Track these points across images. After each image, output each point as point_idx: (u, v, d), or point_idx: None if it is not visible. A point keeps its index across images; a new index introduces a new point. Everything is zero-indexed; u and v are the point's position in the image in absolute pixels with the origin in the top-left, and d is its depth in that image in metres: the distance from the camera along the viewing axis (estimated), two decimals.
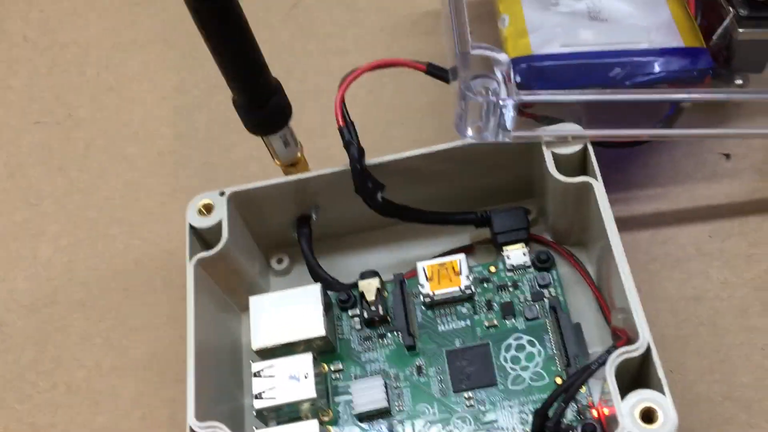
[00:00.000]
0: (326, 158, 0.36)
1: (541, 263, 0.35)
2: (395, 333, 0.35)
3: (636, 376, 0.30)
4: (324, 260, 0.39)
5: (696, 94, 0.32)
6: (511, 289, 0.35)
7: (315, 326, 0.34)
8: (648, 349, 0.29)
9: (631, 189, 0.40)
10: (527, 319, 0.34)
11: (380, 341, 0.35)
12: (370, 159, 0.35)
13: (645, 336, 0.29)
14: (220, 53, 0.29)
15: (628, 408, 0.27)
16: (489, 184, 0.38)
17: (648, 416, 0.27)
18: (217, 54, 0.29)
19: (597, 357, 0.29)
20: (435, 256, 0.37)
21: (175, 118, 0.47)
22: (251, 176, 0.40)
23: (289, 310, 0.34)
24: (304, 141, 0.42)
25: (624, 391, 0.28)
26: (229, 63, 0.30)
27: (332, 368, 0.35)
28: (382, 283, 0.36)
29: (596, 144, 0.38)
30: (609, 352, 0.29)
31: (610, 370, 0.28)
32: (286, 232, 0.39)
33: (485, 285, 0.36)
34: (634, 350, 0.28)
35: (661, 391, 0.28)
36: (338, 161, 0.35)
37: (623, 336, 0.30)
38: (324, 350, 0.35)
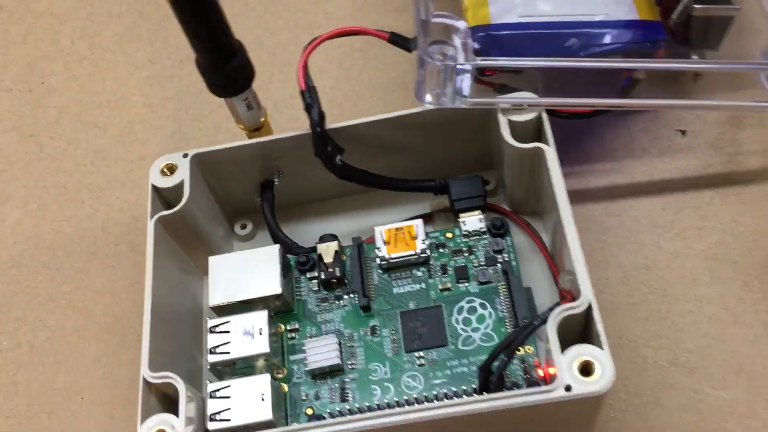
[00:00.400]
0: (294, 129, 0.37)
1: (496, 230, 0.36)
2: (352, 295, 0.36)
3: (579, 334, 0.31)
4: (286, 227, 0.40)
5: (649, 63, 0.33)
6: (466, 254, 0.36)
7: (272, 285, 0.34)
8: (589, 307, 0.29)
9: (588, 162, 0.40)
10: (480, 283, 0.35)
11: (337, 303, 0.36)
12: (332, 124, 0.36)
13: (587, 293, 0.30)
14: (182, 10, 0.30)
15: (567, 361, 0.28)
16: (450, 154, 0.39)
17: (587, 370, 0.28)
18: (178, 11, 0.30)
19: (541, 313, 0.30)
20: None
21: (147, 88, 0.48)
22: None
23: (247, 270, 0.35)
24: (273, 112, 0.43)
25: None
26: (190, 20, 0.30)
27: (288, 328, 0.36)
28: (340, 246, 0.37)
29: (554, 115, 0.39)
30: (552, 309, 0.30)
31: (551, 326, 0.29)
32: (250, 198, 0.39)
33: (441, 250, 0.36)
34: (576, 307, 0.29)
35: (600, 346, 0.29)
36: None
37: (569, 296, 0.31)
38: (281, 310, 0.36)
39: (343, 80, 0.45)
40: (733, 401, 0.34)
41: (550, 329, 0.29)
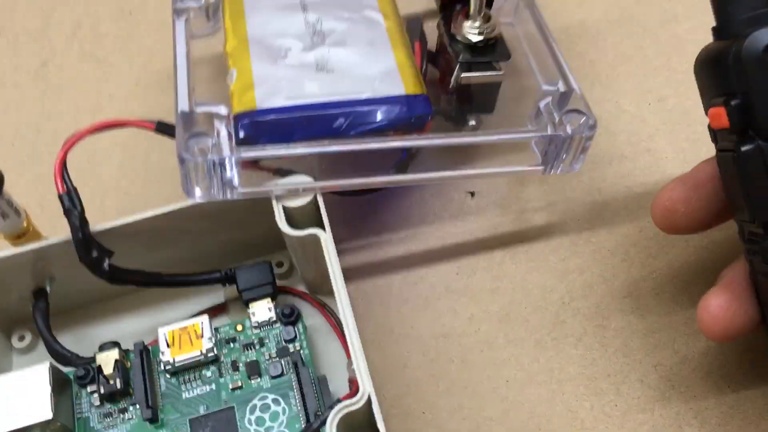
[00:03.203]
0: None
1: (286, 318, 0.35)
2: (137, 405, 0.33)
3: (367, 425, 0.30)
4: (68, 333, 0.37)
5: (416, 141, 0.33)
6: (257, 346, 0.35)
7: (42, 410, 0.31)
8: (369, 400, 0.29)
9: (385, 233, 0.40)
10: (272, 377, 0.34)
11: (122, 416, 0.33)
12: (103, 223, 0.34)
13: (365, 387, 0.29)
14: None
15: None
16: (242, 237, 0.38)
17: None
18: None
19: (323, 411, 0.29)
20: (189, 317, 0.36)
21: None
22: None
23: (15, 395, 0.32)
24: (53, 207, 0.39)
25: None
26: None
27: None
28: (122, 353, 0.34)
29: (342, 194, 0.39)
30: (332, 407, 0.28)
31: (331, 425, 0.28)
32: (26, 306, 0.36)
33: (232, 345, 0.35)
34: (354, 403, 0.28)
35: None
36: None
37: (355, 386, 0.30)
38: None
39: (129, 164, 0.43)
40: None
41: (330, 429, 0.28)
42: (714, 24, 0.29)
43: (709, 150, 0.31)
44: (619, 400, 0.35)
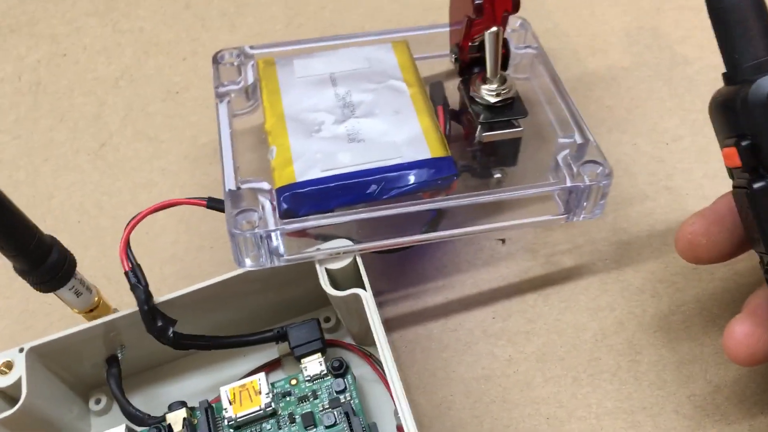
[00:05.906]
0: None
1: (336, 370, 0.37)
2: None
3: None
4: (139, 394, 0.40)
5: (443, 202, 0.36)
6: (311, 399, 0.37)
7: None
8: None
9: (422, 283, 0.43)
10: (326, 427, 0.36)
11: None
12: (164, 295, 0.37)
13: None
14: None
15: None
16: (290, 297, 0.41)
17: None
18: None
19: None
20: (248, 374, 0.39)
21: None
22: (69, 320, 0.40)
23: None
24: (119, 277, 0.43)
25: None
26: None
27: None
28: (189, 412, 0.37)
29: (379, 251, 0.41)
30: None
31: None
32: (100, 371, 0.40)
33: (288, 399, 0.38)
34: None
35: None
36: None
37: None
38: None
39: (183, 234, 0.47)
40: None
41: None
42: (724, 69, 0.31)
43: (726, 185, 0.32)
44: (657, 431, 0.37)
